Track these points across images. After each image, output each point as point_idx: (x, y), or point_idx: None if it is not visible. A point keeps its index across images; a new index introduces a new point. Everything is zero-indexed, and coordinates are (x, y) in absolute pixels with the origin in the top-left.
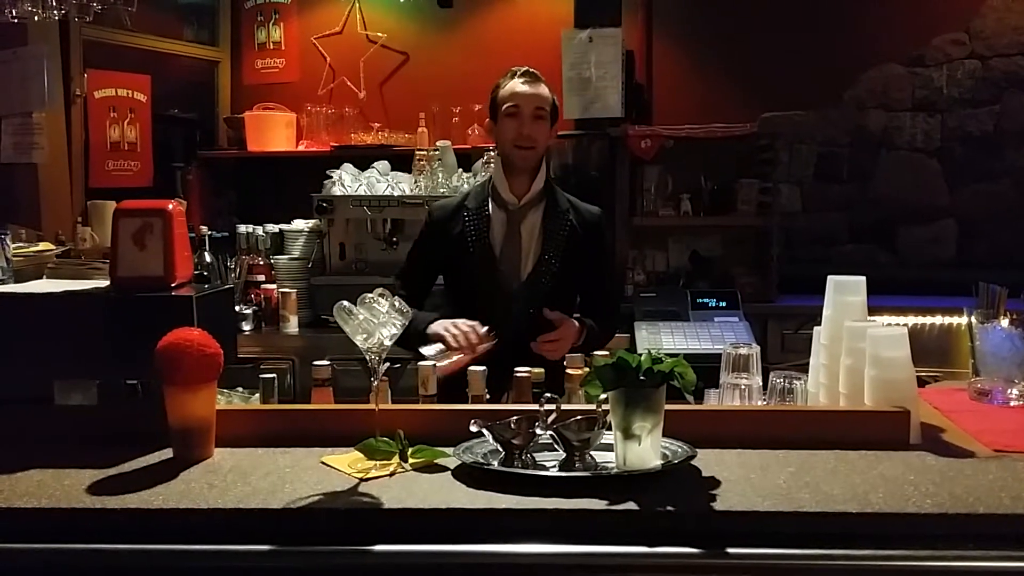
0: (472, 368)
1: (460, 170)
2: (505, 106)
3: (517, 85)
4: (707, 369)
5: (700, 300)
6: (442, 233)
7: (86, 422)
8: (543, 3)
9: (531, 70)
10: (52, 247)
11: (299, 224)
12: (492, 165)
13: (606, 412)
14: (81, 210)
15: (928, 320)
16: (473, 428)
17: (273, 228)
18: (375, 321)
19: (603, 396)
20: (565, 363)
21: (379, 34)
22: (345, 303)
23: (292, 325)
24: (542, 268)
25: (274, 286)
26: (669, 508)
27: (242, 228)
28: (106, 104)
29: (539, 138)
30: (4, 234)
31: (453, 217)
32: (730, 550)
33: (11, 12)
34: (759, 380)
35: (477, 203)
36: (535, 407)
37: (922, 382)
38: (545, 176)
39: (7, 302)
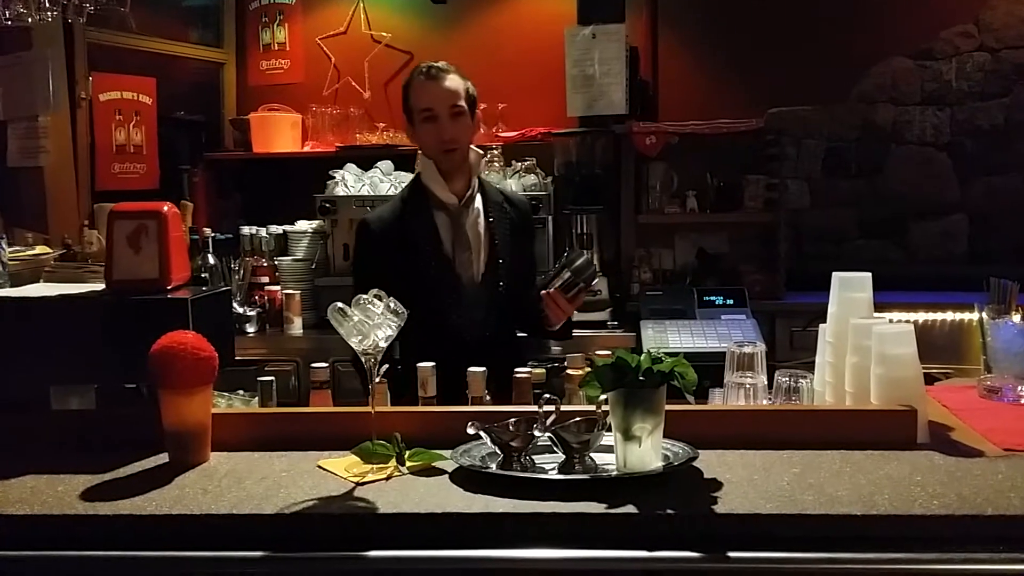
0: (472, 369)
1: None
2: (420, 111)
3: (426, 86)
4: (714, 368)
5: (707, 298)
6: (384, 244)
7: (83, 426)
8: (546, 1)
9: (436, 64)
10: (49, 251)
11: (303, 225)
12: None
13: (606, 413)
14: (88, 213)
15: (939, 316)
16: (470, 430)
17: (277, 229)
18: (370, 323)
19: (603, 397)
20: (565, 363)
21: (383, 34)
22: (339, 304)
23: (296, 327)
24: (496, 264)
25: (278, 288)
26: (669, 511)
27: (246, 230)
28: (111, 107)
29: (462, 137)
30: (0, 237)
31: (393, 226)
32: (732, 554)
33: (4, 14)
34: (764, 379)
35: (415, 208)
36: (534, 408)
37: (932, 379)
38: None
39: (2, 306)
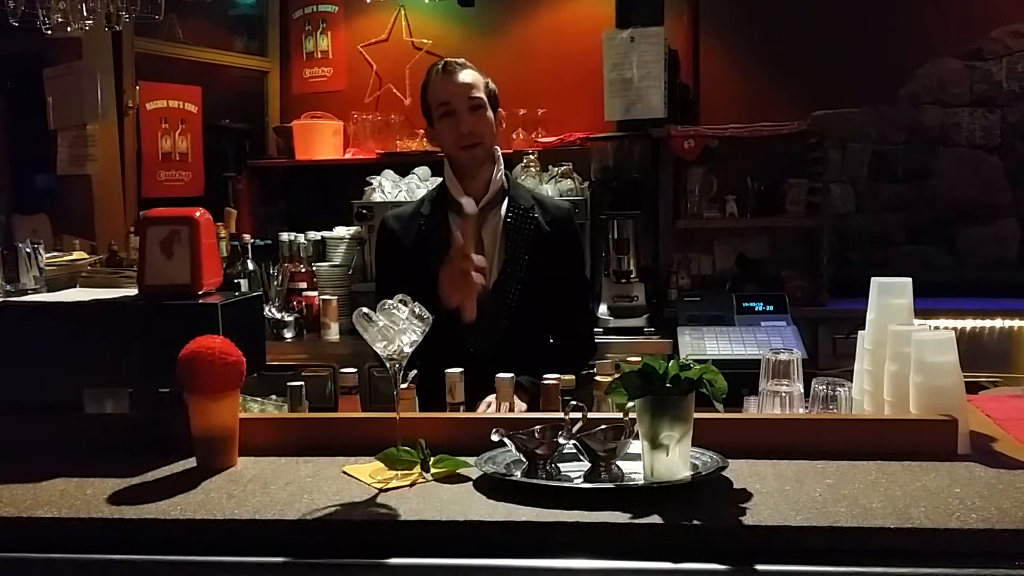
0: (500, 376)
1: None
2: (437, 107)
3: (442, 81)
4: (753, 375)
5: (746, 304)
6: (397, 243)
7: (116, 430)
8: (585, 5)
9: (453, 60)
10: (86, 256)
11: (340, 231)
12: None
13: (633, 421)
14: (134, 220)
15: (988, 323)
16: (494, 437)
17: (315, 235)
18: (395, 328)
19: (630, 404)
20: (595, 370)
21: (424, 40)
22: (364, 309)
23: (333, 332)
24: (508, 274)
25: (316, 293)
26: (696, 522)
27: (284, 236)
28: (158, 115)
29: (483, 131)
30: (37, 243)
31: (408, 226)
32: (759, 567)
33: (44, 23)
34: (800, 387)
35: (432, 209)
36: (560, 415)
37: (980, 388)
38: (503, 172)
39: (37, 311)
